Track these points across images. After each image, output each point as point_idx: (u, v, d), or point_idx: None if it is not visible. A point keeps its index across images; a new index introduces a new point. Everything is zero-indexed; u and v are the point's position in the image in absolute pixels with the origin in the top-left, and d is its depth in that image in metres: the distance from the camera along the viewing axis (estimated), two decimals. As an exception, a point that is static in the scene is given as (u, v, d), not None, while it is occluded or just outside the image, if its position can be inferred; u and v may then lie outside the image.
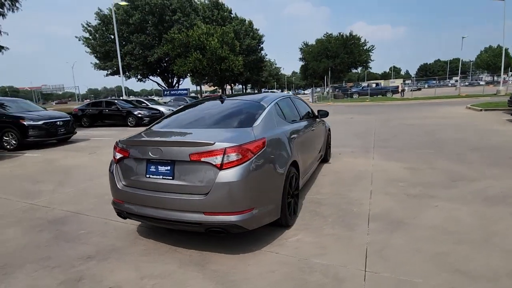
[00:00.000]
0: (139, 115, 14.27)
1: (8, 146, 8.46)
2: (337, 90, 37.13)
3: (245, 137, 2.56)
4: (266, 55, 48.53)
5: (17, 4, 12.47)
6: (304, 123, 4.07)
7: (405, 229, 2.85)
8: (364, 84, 42.67)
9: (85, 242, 2.87)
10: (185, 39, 25.45)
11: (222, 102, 3.50)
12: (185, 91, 29.42)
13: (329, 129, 5.80)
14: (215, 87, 45.94)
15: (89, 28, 28.35)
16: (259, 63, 39.36)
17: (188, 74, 29.34)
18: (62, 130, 9.33)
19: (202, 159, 2.35)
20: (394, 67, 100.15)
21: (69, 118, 9.82)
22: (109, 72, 29.85)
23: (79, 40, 28.32)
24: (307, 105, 4.91)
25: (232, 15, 34.58)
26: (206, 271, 2.32)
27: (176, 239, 2.81)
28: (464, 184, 4.02)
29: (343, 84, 47.49)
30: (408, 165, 5.18)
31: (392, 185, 4.14)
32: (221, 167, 2.32)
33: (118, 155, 2.75)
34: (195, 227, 2.44)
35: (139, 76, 32.90)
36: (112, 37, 28.09)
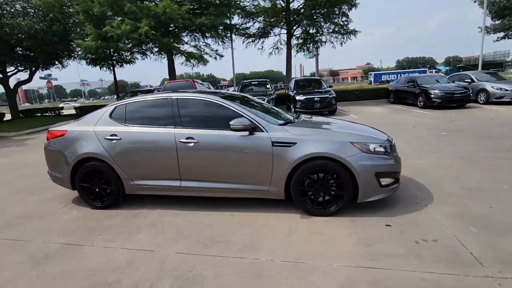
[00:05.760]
0: (431, 95, 11.91)
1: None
2: None
3: (62, 126, 3.95)
4: None
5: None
6: (171, 129, 3.43)
7: None
8: None
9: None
10: None
11: None
12: None
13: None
14: None
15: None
16: None
17: None
18: (317, 104, 11.69)
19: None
20: None
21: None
22: (501, 36, 23.23)
23: (474, 1, 24.48)
24: (233, 110, 3.35)
25: None
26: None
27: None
28: None
29: None
30: None
31: None
32: (47, 139, 4.10)
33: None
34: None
35: None
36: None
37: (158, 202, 3.76)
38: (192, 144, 3.34)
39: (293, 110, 12.37)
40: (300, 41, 19.82)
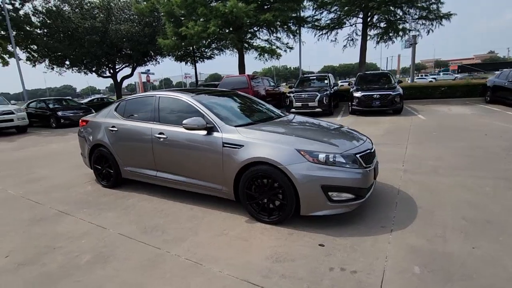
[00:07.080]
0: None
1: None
2: None
3: (88, 117, 4.85)
4: None
5: None
6: (150, 125, 3.85)
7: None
8: None
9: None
10: None
11: None
12: None
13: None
14: None
15: None
16: None
17: None
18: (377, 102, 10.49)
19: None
20: None
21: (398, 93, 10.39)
22: None
23: None
24: (200, 113, 3.48)
25: None
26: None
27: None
28: None
29: None
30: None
31: None
32: (82, 126, 5.09)
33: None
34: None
35: None
36: None
37: (152, 189, 4.24)
38: (162, 139, 3.67)
39: (350, 108, 11.50)
40: (380, 30, 17.85)
